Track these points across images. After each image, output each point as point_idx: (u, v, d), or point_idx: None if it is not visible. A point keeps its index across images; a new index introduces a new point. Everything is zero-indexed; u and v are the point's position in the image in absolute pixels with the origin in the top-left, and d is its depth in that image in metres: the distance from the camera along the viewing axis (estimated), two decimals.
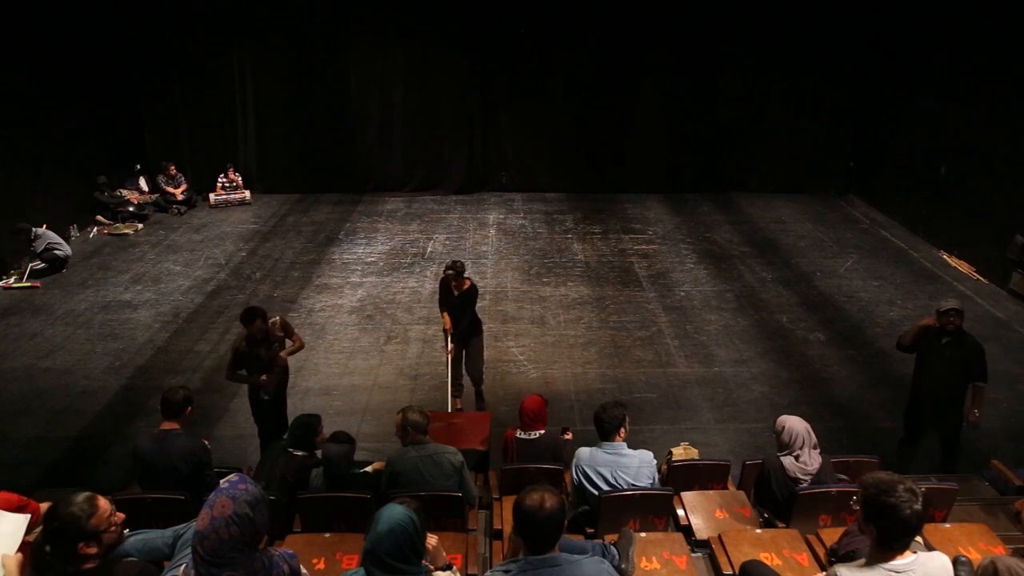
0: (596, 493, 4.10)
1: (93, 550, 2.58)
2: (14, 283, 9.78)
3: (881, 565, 2.57)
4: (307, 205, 13.37)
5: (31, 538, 3.42)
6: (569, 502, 4.43)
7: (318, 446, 4.68)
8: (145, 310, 9.03)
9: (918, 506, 2.50)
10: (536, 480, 4.34)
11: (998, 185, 9.82)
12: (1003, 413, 6.75)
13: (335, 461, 4.47)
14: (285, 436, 4.80)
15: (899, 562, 2.57)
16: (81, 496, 2.63)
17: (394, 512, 2.53)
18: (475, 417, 5.94)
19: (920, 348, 5.49)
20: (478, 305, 6.97)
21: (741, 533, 3.99)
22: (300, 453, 4.55)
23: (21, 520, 3.24)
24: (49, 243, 10.06)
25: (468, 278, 6.83)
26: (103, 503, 2.66)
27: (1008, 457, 5.52)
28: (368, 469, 4.58)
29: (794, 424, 4.28)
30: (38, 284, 9.80)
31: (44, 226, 10.14)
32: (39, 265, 10.00)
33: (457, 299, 6.73)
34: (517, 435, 4.83)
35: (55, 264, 10.12)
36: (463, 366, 6.98)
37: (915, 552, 2.63)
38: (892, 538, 2.58)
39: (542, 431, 4.82)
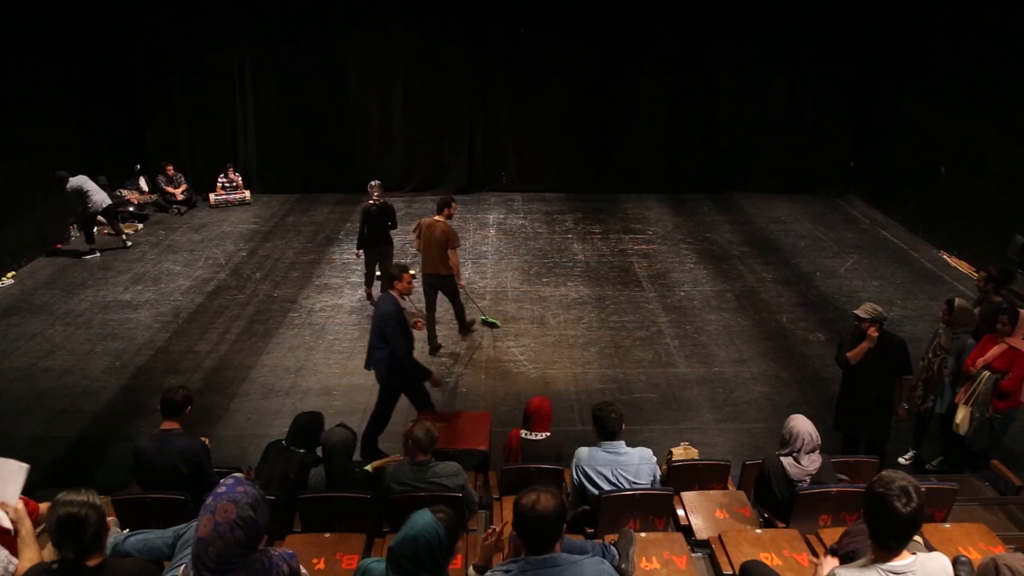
0: (597, 493, 4.10)
1: None
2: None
3: (879, 566, 2.56)
4: (307, 205, 13.36)
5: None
6: (569, 502, 4.43)
7: (319, 442, 4.61)
8: (145, 310, 9.03)
9: (912, 506, 2.45)
10: (536, 480, 4.35)
11: (998, 185, 9.82)
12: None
13: (337, 447, 4.35)
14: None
15: (898, 563, 2.55)
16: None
17: (422, 519, 2.52)
18: (475, 417, 5.94)
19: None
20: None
21: (741, 533, 3.99)
22: (301, 451, 4.52)
23: (15, 467, 3.34)
24: (84, 197, 10.47)
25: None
26: None
27: (1008, 457, 5.53)
28: (368, 468, 4.53)
29: (799, 425, 4.28)
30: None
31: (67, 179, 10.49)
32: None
33: None
34: (523, 435, 4.84)
35: (91, 219, 10.74)
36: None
37: (914, 553, 2.62)
38: (883, 535, 2.55)
39: (547, 433, 4.83)
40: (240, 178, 13.43)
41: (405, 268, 6.14)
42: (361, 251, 8.91)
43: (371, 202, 8.66)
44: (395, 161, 13.98)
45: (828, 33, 12.97)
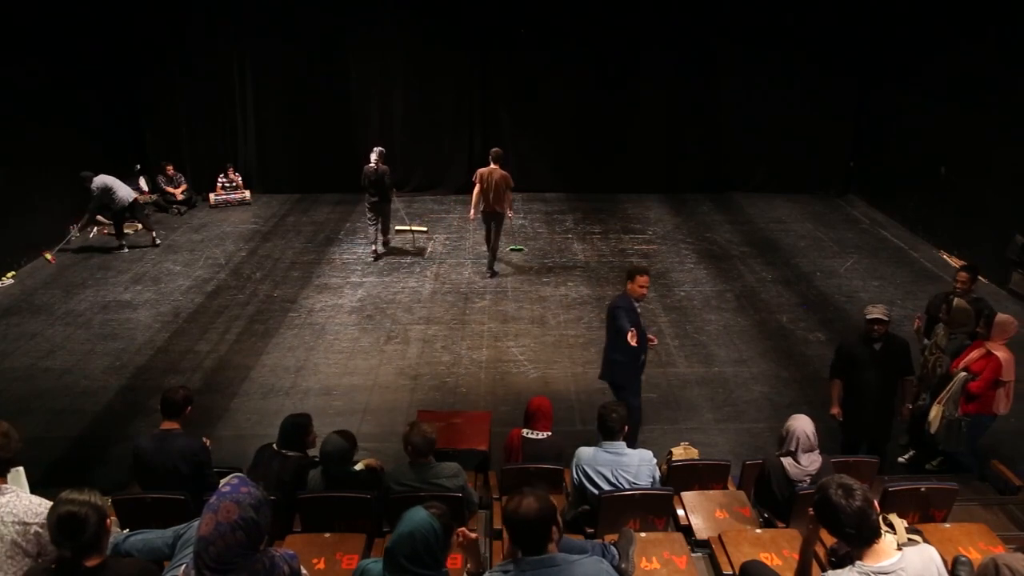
0: (597, 493, 4.11)
1: None
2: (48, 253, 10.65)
3: (864, 567, 2.56)
4: (307, 205, 13.36)
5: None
6: (569, 502, 4.44)
7: (310, 445, 4.58)
8: (145, 310, 9.03)
9: (856, 499, 2.55)
10: (536, 480, 4.36)
11: (998, 185, 9.82)
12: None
13: (334, 456, 4.34)
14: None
15: (886, 563, 2.56)
16: None
17: (417, 516, 2.52)
18: (475, 417, 5.94)
19: (854, 361, 5.51)
20: None
21: (741, 533, 3.99)
22: (294, 454, 4.44)
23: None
24: (110, 194, 10.62)
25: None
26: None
27: (1008, 457, 5.53)
28: (359, 466, 4.42)
29: (797, 425, 4.28)
30: (52, 260, 10.59)
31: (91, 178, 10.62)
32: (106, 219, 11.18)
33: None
34: (524, 434, 4.85)
35: (120, 214, 10.86)
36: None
37: (901, 550, 2.62)
38: (848, 536, 2.62)
39: (548, 432, 4.84)
40: (240, 178, 13.42)
41: (641, 271, 5.66)
42: (368, 206, 10.39)
43: (371, 165, 10.00)
44: (395, 161, 13.94)
45: (828, 33, 12.96)
